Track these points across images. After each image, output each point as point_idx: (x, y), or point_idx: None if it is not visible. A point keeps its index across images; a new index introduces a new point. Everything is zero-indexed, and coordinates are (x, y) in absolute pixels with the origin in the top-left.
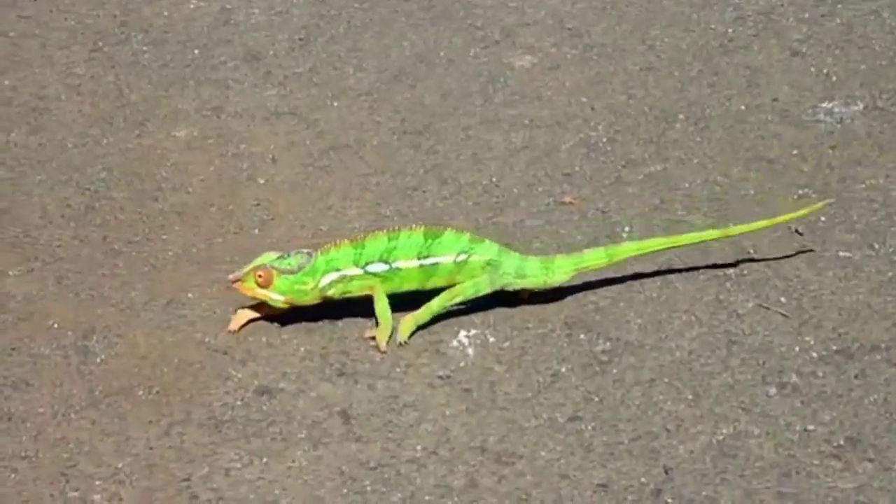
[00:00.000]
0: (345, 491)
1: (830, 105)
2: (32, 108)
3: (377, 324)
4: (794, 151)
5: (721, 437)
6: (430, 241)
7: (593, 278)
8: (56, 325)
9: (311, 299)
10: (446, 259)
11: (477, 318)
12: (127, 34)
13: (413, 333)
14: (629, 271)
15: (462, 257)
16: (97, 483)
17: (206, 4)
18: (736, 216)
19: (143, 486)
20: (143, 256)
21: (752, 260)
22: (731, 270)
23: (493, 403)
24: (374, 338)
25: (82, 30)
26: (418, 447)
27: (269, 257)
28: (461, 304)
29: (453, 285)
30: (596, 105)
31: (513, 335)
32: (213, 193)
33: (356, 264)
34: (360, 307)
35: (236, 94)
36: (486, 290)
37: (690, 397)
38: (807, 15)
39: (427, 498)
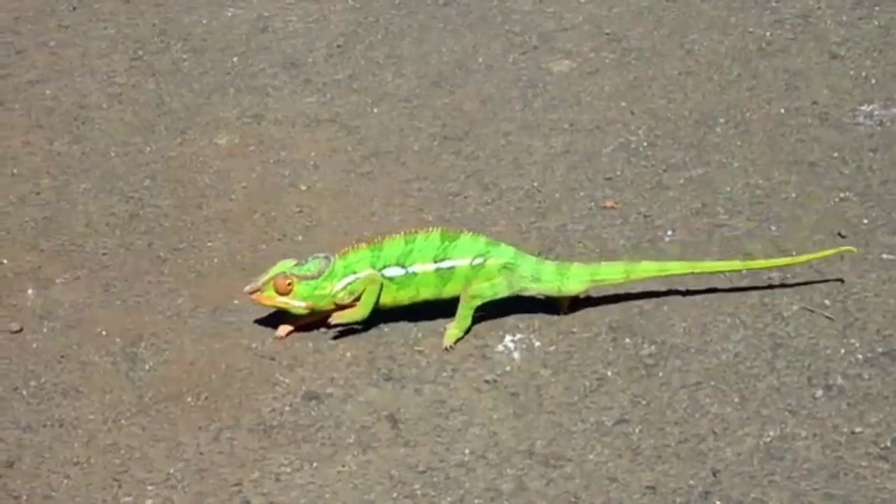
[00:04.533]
0: (395, 495)
1: (870, 108)
2: (75, 117)
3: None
4: (835, 154)
5: (768, 440)
6: (446, 243)
7: (637, 282)
8: (104, 333)
9: (328, 304)
10: (463, 262)
11: (522, 322)
12: (166, 42)
13: (459, 340)
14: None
15: (479, 260)
16: (149, 488)
17: (243, 12)
18: (777, 219)
19: (194, 491)
20: (188, 263)
21: (796, 262)
22: (774, 273)
23: (540, 407)
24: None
25: (122, 38)
26: (466, 451)
27: (286, 265)
28: (483, 307)
29: None
30: (635, 109)
31: (558, 339)
32: (256, 200)
33: (373, 267)
34: (406, 313)
35: (276, 102)
36: (503, 292)
37: (737, 400)
38: (844, 18)
39: (477, 501)
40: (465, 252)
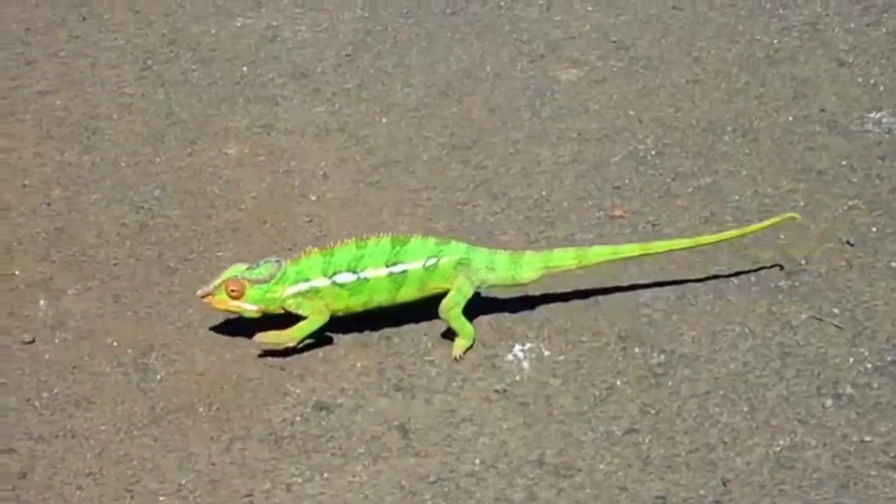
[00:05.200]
0: None
1: (878, 115)
2: (85, 128)
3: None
4: (843, 162)
5: (778, 449)
6: (397, 248)
7: (645, 291)
8: (115, 343)
9: (278, 308)
10: (416, 265)
11: (531, 331)
12: (176, 52)
13: (468, 349)
14: (680, 283)
15: (432, 261)
16: (161, 499)
17: (252, 22)
18: (786, 227)
19: (206, 502)
20: (198, 274)
21: (804, 271)
22: (783, 282)
23: (550, 417)
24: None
25: (131, 49)
26: (477, 461)
27: (238, 269)
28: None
29: (424, 297)
30: (643, 118)
31: (567, 349)
32: (266, 210)
33: (324, 274)
34: (416, 322)
35: (285, 111)
36: (469, 290)
37: (746, 409)
38: (852, 25)
39: None
40: (417, 254)
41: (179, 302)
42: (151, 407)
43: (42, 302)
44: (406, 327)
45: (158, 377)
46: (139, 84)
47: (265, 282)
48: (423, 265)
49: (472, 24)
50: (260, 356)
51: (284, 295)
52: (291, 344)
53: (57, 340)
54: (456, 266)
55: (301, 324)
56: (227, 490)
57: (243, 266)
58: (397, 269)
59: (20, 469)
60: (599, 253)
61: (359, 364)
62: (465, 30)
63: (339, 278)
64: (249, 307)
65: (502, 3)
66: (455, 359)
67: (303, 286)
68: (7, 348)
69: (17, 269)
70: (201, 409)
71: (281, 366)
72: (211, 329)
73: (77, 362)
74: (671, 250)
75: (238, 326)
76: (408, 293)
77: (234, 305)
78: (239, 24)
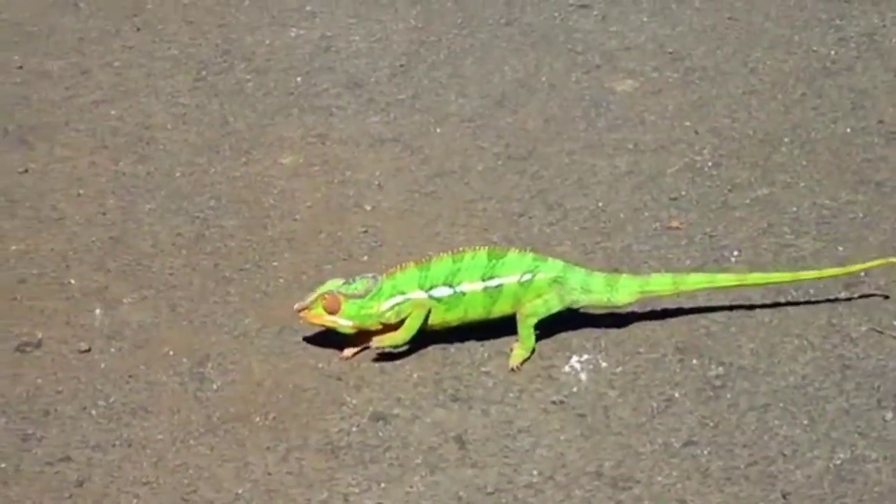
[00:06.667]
0: None
1: None
2: (139, 138)
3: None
4: None
5: (838, 462)
6: (493, 261)
7: (703, 303)
8: (171, 353)
9: (375, 323)
10: (511, 279)
11: (588, 342)
12: (230, 63)
13: (525, 360)
14: (739, 296)
15: (527, 277)
16: None
17: (306, 32)
18: (845, 239)
19: None
20: (254, 284)
21: (863, 283)
22: (842, 294)
23: (608, 428)
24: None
25: (185, 59)
26: (535, 472)
27: (335, 283)
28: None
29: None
30: (700, 129)
31: (625, 360)
32: (321, 220)
33: (421, 287)
34: (472, 333)
35: (340, 121)
36: (556, 307)
37: (806, 422)
38: None
39: None
40: (513, 269)
41: (235, 311)
42: (208, 416)
43: (98, 311)
44: (462, 338)
45: (215, 386)
46: (193, 94)
47: (361, 297)
48: (519, 280)
49: (527, 35)
50: (316, 366)
51: (381, 310)
52: (403, 342)
53: (113, 349)
54: (551, 283)
55: (408, 322)
56: (283, 500)
57: (340, 281)
58: (492, 283)
59: (77, 477)
60: (697, 281)
61: (415, 375)
62: (519, 40)
63: (436, 292)
64: (345, 322)
65: (557, 14)
66: (512, 369)
67: (399, 299)
68: (63, 357)
69: (73, 278)
70: (258, 419)
71: (337, 376)
72: (267, 339)
73: (133, 371)
74: (769, 284)
75: (294, 336)
76: (502, 308)
77: (330, 320)
78: (293, 34)
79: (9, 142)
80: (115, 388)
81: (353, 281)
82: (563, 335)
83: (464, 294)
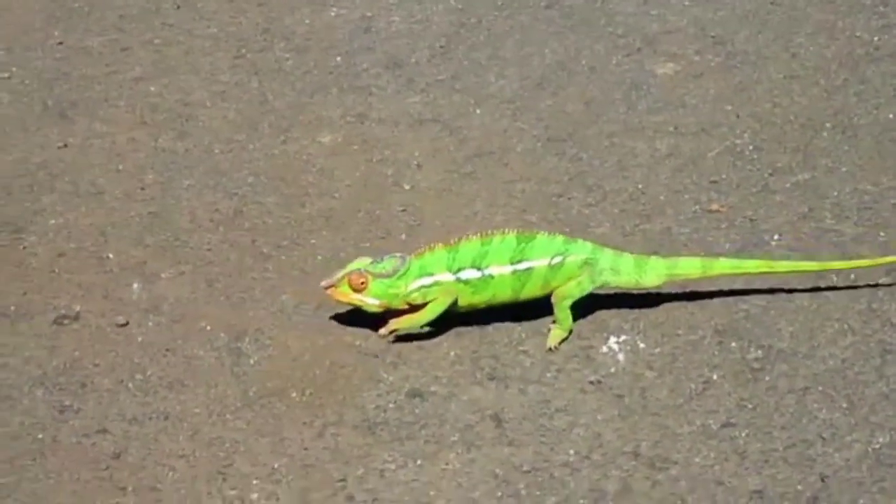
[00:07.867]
0: (499, 494)
1: None
2: (178, 115)
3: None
4: None
5: (877, 446)
6: (523, 244)
7: (742, 286)
8: (208, 328)
9: (401, 303)
10: (541, 263)
11: (626, 323)
12: (270, 41)
13: (563, 340)
14: (778, 280)
15: (557, 259)
16: (254, 482)
17: (346, 12)
18: (886, 224)
19: (299, 487)
20: (292, 261)
21: (878, 264)
22: (882, 279)
23: (645, 409)
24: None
25: (225, 37)
26: (571, 451)
27: (363, 262)
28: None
29: (547, 294)
30: (741, 113)
31: (663, 341)
32: (360, 199)
33: (449, 269)
34: (509, 312)
35: (379, 101)
36: (588, 288)
37: (845, 405)
38: None
39: (581, 502)
40: (543, 252)
41: (272, 288)
42: (244, 391)
43: (136, 285)
44: (499, 317)
45: (251, 361)
46: (233, 72)
47: (388, 276)
48: (549, 263)
49: (568, 17)
50: (353, 343)
51: (408, 290)
52: (423, 324)
53: (150, 323)
54: (582, 266)
55: (430, 305)
56: (320, 474)
57: (368, 260)
58: (522, 266)
59: (114, 450)
60: (724, 265)
61: (452, 353)
62: (560, 23)
63: (464, 275)
64: (371, 301)
65: None
66: (549, 349)
67: (426, 281)
68: (101, 330)
69: (111, 253)
70: (294, 395)
71: (374, 353)
72: (304, 315)
73: (170, 345)
74: (796, 272)
75: (331, 313)
76: (531, 291)
77: (357, 298)
78: (333, 13)
79: (49, 116)
80: (152, 361)
81: (381, 260)
82: (601, 315)
83: (492, 277)
